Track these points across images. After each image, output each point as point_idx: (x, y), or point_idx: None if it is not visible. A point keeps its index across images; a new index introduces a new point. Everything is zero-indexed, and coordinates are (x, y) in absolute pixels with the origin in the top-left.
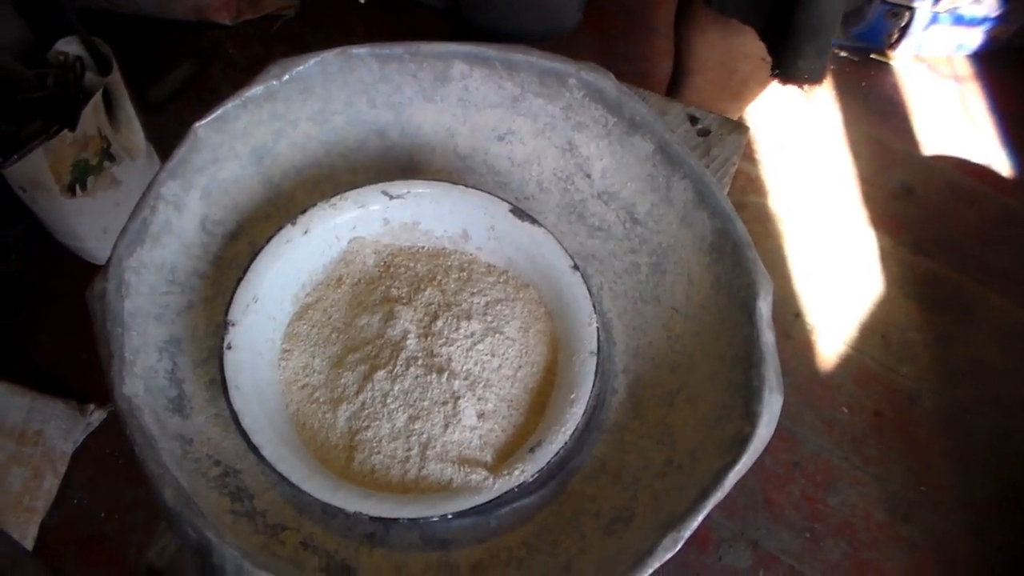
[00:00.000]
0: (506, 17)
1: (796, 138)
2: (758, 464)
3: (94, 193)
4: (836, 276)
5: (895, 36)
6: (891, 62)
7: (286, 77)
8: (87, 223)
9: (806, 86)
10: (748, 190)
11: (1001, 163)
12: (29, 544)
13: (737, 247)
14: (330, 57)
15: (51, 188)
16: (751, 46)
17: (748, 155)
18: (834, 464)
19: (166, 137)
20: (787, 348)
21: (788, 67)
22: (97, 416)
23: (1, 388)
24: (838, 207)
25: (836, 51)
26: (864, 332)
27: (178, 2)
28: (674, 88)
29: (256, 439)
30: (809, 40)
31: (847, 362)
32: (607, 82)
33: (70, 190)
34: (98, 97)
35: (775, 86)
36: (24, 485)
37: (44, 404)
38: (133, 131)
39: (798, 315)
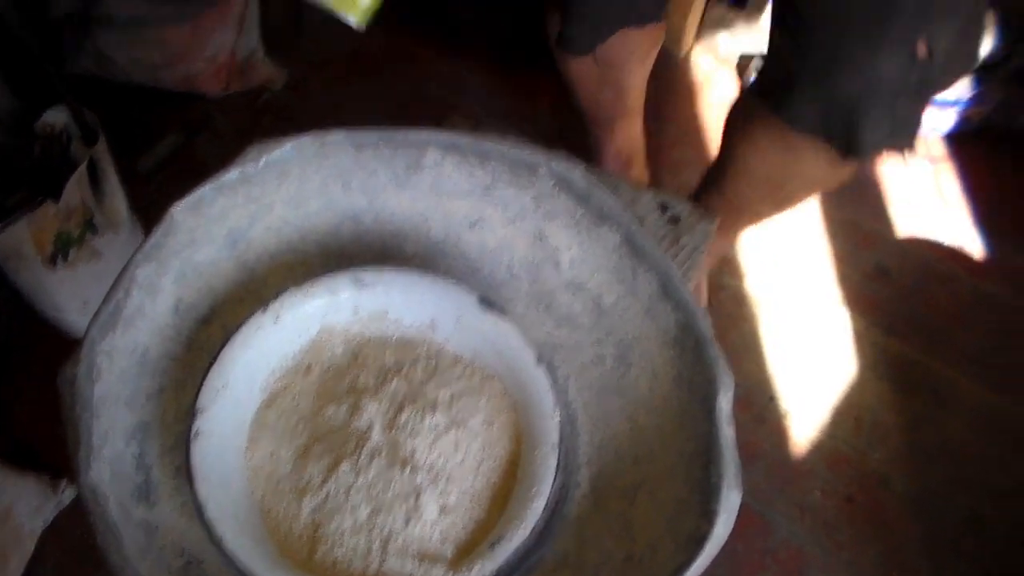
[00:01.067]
0: None
1: (773, 219)
2: (729, 551)
3: (75, 265)
4: (810, 358)
5: None
6: None
7: (262, 162)
8: (67, 295)
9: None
10: (724, 272)
11: (974, 245)
12: None
13: (699, 343)
14: (306, 142)
15: (32, 259)
16: (807, 166)
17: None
18: (806, 551)
19: (151, 208)
20: (760, 432)
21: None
22: (69, 494)
23: None
24: (814, 288)
25: None
26: (837, 415)
27: (168, 72)
28: (712, 182)
29: (219, 530)
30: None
31: (820, 446)
32: (576, 173)
33: (51, 261)
34: (83, 169)
35: None
36: None
37: (15, 480)
38: (117, 202)
39: (772, 398)
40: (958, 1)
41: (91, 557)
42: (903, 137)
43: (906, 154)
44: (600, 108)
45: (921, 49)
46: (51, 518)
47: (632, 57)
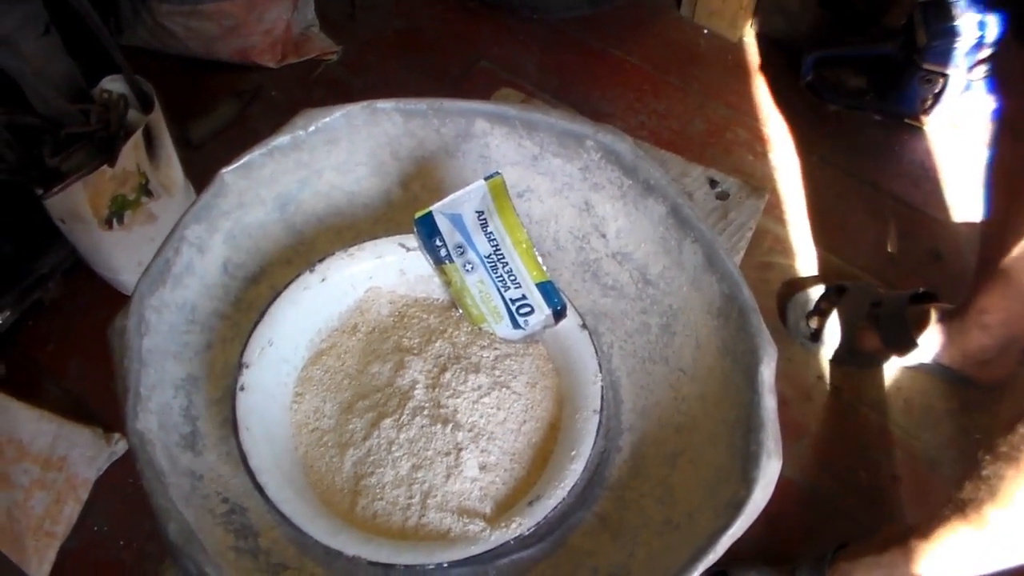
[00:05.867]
0: None
1: (826, 200)
2: (774, 527)
3: (130, 227)
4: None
5: (929, 102)
6: (924, 128)
7: (312, 128)
8: (122, 256)
9: None
10: (776, 251)
11: None
12: (47, 568)
13: (743, 312)
14: (356, 110)
15: (88, 221)
16: None
17: (776, 216)
18: (848, 525)
19: (205, 175)
20: (808, 410)
21: None
22: (122, 446)
23: (30, 414)
24: (866, 270)
25: (871, 115)
26: (887, 397)
27: (224, 44)
28: None
29: (262, 479)
30: None
31: (867, 426)
32: (623, 145)
33: (107, 223)
34: (138, 134)
35: None
36: (46, 510)
37: (70, 431)
38: (172, 168)
39: (820, 377)
40: None
41: (142, 506)
42: None
43: None
44: None
45: None
46: (104, 467)
47: None
